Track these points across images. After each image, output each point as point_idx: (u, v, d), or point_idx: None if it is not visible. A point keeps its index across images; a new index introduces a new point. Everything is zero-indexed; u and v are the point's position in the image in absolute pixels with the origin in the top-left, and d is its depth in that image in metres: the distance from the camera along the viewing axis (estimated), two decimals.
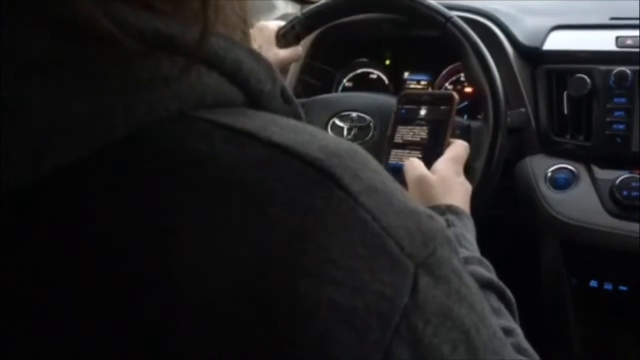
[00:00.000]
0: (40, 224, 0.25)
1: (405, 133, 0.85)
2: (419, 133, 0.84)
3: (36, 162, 0.24)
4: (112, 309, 0.23)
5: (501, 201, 1.00)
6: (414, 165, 0.76)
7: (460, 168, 0.77)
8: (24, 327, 0.24)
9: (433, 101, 0.85)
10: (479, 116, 0.98)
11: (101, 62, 0.25)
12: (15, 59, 0.24)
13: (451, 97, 0.84)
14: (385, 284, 0.25)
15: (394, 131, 0.86)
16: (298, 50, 1.00)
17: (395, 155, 0.85)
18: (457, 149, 0.79)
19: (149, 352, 0.23)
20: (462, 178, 0.76)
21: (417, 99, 0.87)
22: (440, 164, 0.76)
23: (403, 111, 0.87)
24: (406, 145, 0.84)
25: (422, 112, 0.85)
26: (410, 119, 0.85)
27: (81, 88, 0.25)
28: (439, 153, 0.79)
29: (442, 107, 0.84)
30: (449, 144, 0.81)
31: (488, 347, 0.29)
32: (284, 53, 0.96)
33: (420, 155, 0.81)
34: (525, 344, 0.52)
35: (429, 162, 0.78)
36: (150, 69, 0.26)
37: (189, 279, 0.23)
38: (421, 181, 0.73)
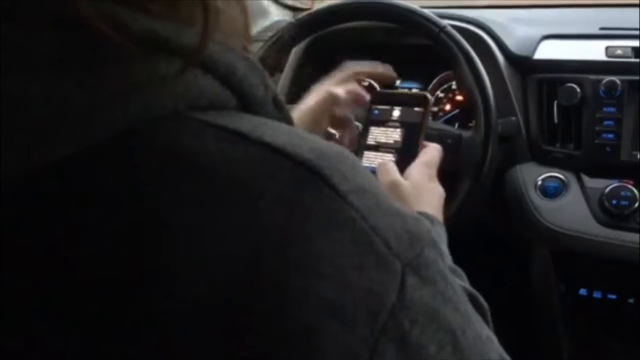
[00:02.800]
0: (36, 216, 0.25)
1: (378, 135, 0.81)
2: (392, 135, 0.80)
3: (34, 155, 0.25)
4: (101, 299, 0.24)
5: (491, 209, 1.01)
6: (386, 169, 0.73)
7: (434, 172, 0.75)
8: (17, 319, 0.24)
9: (407, 102, 0.81)
10: (470, 124, 0.98)
11: (100, 60, 0.26)
12: (16, 54, 0.24)
13: (425, 98, 0.80)
14: (373, 281, 0.25)
15: (366, 133, 0.82)
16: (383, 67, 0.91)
17: (367, 158, 0.81)
18: (431, 152, 0.76)
19: (137, 342, 0.23)
20: (435, 183, 0.74)
21: (390, 99, 0.83)
22: (413, 169, 0.73)
23: (376, 112, 0.83)
24: (379, 148, 0.80)
25: (396, 113, 0.81)
26: (383, 120, 0.81)
27: (80, 84, 0.25)
28: (412, 156, 0.76)
29: (416, 109, 0.80)
30: (423, 147, 0.77)
31: (473, 349, 0.30)
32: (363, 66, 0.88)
33: (393, 159, 0.78)
34: (500, 350, 0.52)
35: (402, 165, 0.75)
36: (148, 69, 0.27)
37: (180, 272, 0.24)
38: (393, 187, 0.71)
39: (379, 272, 0.26)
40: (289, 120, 0.33)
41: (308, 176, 0.26)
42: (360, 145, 0.83)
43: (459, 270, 0.62)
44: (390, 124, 0.81)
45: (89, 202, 0.25)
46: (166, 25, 0.27)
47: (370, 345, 0.25)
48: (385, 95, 0.86)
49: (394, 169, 0.73)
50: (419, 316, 0.27)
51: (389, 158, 0.79)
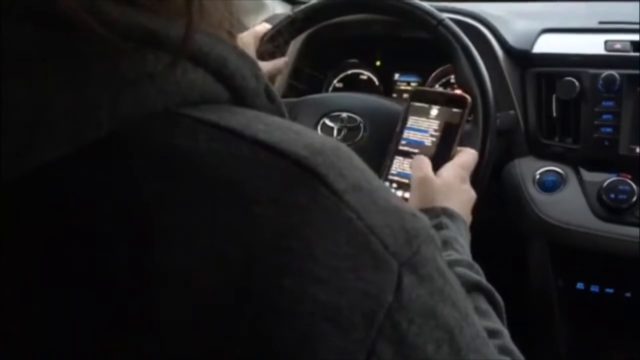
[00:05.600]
0: (23, 220, 0.25)
1: (415, 132, 0.82)
2: (428, 133, 0.81)
3: (20, 158, 0.24)
4: (95, 303, 0.23)
5: (489, 203, 1.00)
6: (420, 164, 0.75)
7: (467, 175, 0.76)
8: (14, 321, 0.24)
9: (445, 102, 0.81)
10: (469, 118, 0.98)
11: (86, 58, 0.25)
12: (0, 54, 0.24)
13: (465, 99, 0.80)
14: (369, 282, 0.25)
15: (403, 128, 0.83)
16: (281, 62, 0.98)
17: (403, 152, 0.82)
18: (466, 156, 0.78)
19: (131, 343, 0.23)
20: (467, 186, 0.75)
21: (429, 98, 0.83)
22: (447, 169, 0.75)
23: (414, 108, 0.83)
24: (415, 143, 0.81)
25: (434, 112, 0.81)
26: (420, 118, 0.82)
27: (66, 83, 0.25)
28: (446, 158, 0.77)
29: (455, 110, 0.80)
30: (457, 151, 0.78)
31: (471, 346, 0.29)
32: (266, 66, 0.94)
33: (427, 156, 0.78)
34: (512, 346, 0.52)
35: (435, 164, 0.76)
36: (135, 65, 0.26)
37: (173, 274, 0.23)
38: (424, 182, 0.72)
39: (375, 273, 0.25)
40: (281, 112, 0.33)
41: (303, 175, 0.26)
42: (396, 140, 0.83)
43: (476, 266, 0.62)
44: (427, 122, 0.82)
45: (79, 206, 0.25)
46: (154, 18, 0.27)
47: (367, 347, 0.24)
48: (424, 93, 0.86)
49: (427, 164, 0.75)
50: (416, 315, 0.26)
51: (423, 154, 0.79)
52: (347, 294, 0.24)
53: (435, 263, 0.28)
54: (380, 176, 0.81)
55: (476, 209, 0.76)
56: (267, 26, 0.97)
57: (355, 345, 0.24)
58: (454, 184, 0.73)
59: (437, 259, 0.29)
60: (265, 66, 0.94)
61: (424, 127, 0.82)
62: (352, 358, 0.24)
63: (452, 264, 0.60)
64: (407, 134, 0.83)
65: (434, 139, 0.80)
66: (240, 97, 0.30)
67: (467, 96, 0.81)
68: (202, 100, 0.28)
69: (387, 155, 0.83)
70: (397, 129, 0.84)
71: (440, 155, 0.78)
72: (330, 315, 0.24)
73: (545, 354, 1.14)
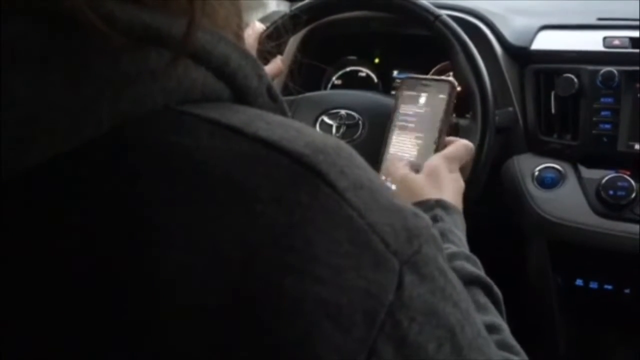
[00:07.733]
0: (23, 217, 0.24)
1: (404, 121, 0.81)
2: (417, 122, 0.79)
3: (20, 155, 0.24)
4: (95, 303, 0.23)
5: (488, 200, 1.00)
6: (394, 165, 0.76)
7: (455, 167, 0.75)
8: (14, 321, 0.24)
9: (433, 88, 0.79)
10: (467, 115, 0.98)
11: (88, 54, 0.25)
12: (1, 50, 0.24)
13: (450, 84, 0.78)
14: (370, 281, 0.25)
15: (394, 118, 0.81)
16: (278, 64, 0.98)
17: (395, 143, 0.81)
18: (457, 148, 0.76)
19: (132, 345, 0.23)
20: (455, 175, 0.74)
21: (418, 86, 0.81)
22: (433, 159, 0.75)
23: (403, 97, 0.82)
24: (405, 134, 0.80)
25: (422, 100, 0.80)
26: (409, 107, 0.81)
27: (67, 80, 0.24)
28: (433, 145, 0.76)
29: (441, 96, 0.78)
30: (448, 142, 0.77)
31: (472, 346, 0.29)
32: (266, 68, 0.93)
33: (417, 146, 0.78)
34: (512, 340, 0.52)
35: (424, 153, 0.75)
36: (137, 62, 0.26)
37: (174, 273, 0.23)
38: (404, 179, 0.73)
39: (377, 272, 0.25)
40: (283, 111, 0.33)
41: (305, 173, 0.26)
42: (388, 131, 0.82)
43: (473, 257, 0.62)
44: (416, 110, 0.80)
45: (78, 203, 0.24)
46: (156, 16, 0.26)
47: (368, 346, 0.24)
48: (413, 81, 0.84)
49: (401, 164, 0.76)
50: (418, 314, 0.26)
51: (413, 144, 0.79)
52: (348, 293, 0.24)
53: (436, 262, 0.28)
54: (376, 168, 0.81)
55: (474, 206, 0.76)
56: (262, 25, 0.97)
57: (356, 344, 0.24)
58: (441, 173, 0.72)
59: (438, 258, 0.29)
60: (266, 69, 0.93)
61: (411, 117, 0.81)
62: (353, 357, 0.24)
63: (449, 257, 0.60)
64: (396, 125, 0.82)
65: (421, 127, 0.79)
66: (242, 96, 0.30)
67: (452, 80, 0.80)
68: (204, 98, 0.28)
69: (383, 145, 0.83)
70: (392, 116, 0.83)
71: (428, 144, 0.77)
72: (332, 313, 0.24)
73: (544, 350, 1.14)
